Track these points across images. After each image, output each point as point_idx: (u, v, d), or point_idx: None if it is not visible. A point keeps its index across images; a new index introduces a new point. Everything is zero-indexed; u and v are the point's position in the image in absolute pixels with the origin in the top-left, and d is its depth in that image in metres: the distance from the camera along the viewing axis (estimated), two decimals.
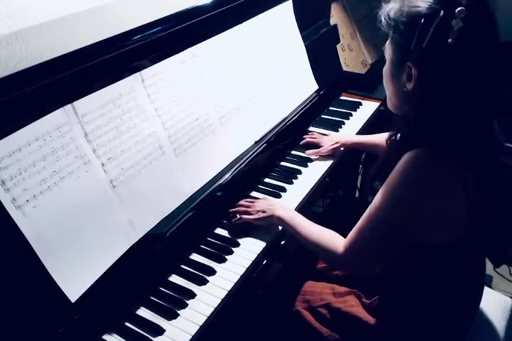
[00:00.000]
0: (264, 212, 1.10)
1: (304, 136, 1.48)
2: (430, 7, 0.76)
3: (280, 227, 1.11)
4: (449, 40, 0.74)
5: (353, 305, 1.02)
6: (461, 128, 0.81)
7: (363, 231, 0.88)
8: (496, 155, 0.87)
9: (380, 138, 1.33)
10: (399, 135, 0.91)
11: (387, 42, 0.88)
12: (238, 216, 1.13)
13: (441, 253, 0.87)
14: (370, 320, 0.99)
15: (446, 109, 0.80)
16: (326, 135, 1.50)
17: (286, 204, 1.16)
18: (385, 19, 0.84)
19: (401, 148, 0.85)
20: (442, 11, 0.74)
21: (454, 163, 0.80)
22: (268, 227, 1.12)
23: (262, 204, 1.13)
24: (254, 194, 1.26)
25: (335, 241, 0.95)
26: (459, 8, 0.73)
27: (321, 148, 1.41)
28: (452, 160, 0.80)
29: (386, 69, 0.91)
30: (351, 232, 0.91)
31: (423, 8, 0.77)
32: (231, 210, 1.16)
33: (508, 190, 0.88)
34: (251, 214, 1.11)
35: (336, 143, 1.40)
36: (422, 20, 0.76)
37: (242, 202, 1.17)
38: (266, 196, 1.22)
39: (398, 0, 0.83)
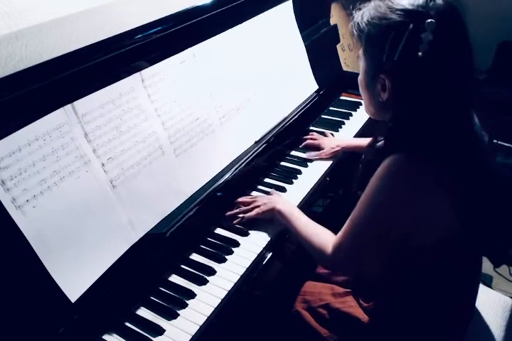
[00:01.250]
0: (265, 204, 1.11)
1: (305, 137, 1.48)
2: (400, 20, 0.76)
3: (280, 227, 1.11)
4: (419, 53, 0.74)
5: (352, 305, 1.02)
6: (437, 134, 0.80)
7: (348, 233, 0.90)
8: (478, 156, 0.86)
9: None
10: (378, 143, 0.92)
11: (360, 51, 0.88)
12: (240, 216, 1.13)
13: (432, 255, 0.87)
14: (369, 320, 0.98)
15: (421, 116, 0.81)
16: (325, 136, 1.50)
17: (287, 199, 1.16)
18: (356, 31, 0.84)
19: (379, 154, 0.85)
20: (412, 24, 0.74)
21: (433, 166, 0.80)
22: (268, 227, 1.12)
23: (261, 198, 1.15)
24: (254, 194, 1.26)
25: (327, 240, 0.95)
26: (429, 21, 0.73)
27: (322, 152, 1.41)
28: (430, 163, 0.79)
29: (361, 79, 0.91)
30: (339, 233, 0.92)
31: (393, 21, 0.77)
32: (230, 213, 1.15)
33: (496, 188, 0.88)
34: (251, 210, 1.12)
35: (337, 146, 1.41)
36: (392, 34, 0.76)
37: (240, 200, 1.18)
38: (273, 190, 1.23)
39: (367, 11, 0.82)
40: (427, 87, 0.78)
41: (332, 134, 1.52)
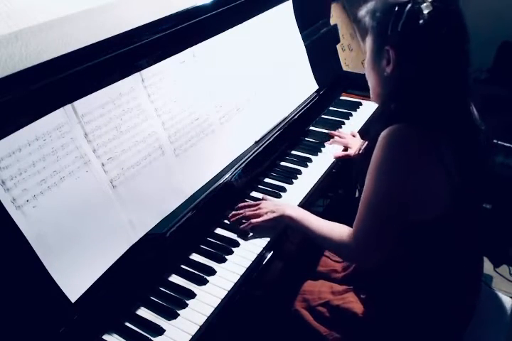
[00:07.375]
0: (273, 212, 1.09)
1: (332, 133, 1.48)
2: None
3: (280, 227, 1.11)
4: (421, 21, 0.83)
5: (351, 301, 1.03)
6: (437, 104, 0.85)
7: (364, 214, 0.90)
8: (474, 135, 0.91)
9: None
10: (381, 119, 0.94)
11: (368, 35, 0.94)
12: (246, 221, 1.10)
13: (430, 234, 0.89)
14: (369, 315, 0.99)
15: (422, 86, 0.86)
16: (353, 136, 1.49)
17: (289, 202, 1.16)
18: (365, 12, 0.93)
19: (381, 129, 0.87)
20: None
21: (431, 138, 0.83)
22: (268, 227, 1.12)
23: (267, 205, 1.12)
24: (254, 194, 1.26)
25: (344, 233, 0.96)
26: None
27: (350, 151, 1.40)
28: (429, 135, 0.83)
29: (367, 60, 0.97)
30: (355, 220, 0.93)
31: None
32: (233, 214, 1.14)
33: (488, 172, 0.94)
34: (259, 216, 1.10)
35: None
36: (397, 8, 0.85)
37: (243, 205, 1.16)
38: (266, 196, 1.22)
39: None
40: (428, 55, 0.85)
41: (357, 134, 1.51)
